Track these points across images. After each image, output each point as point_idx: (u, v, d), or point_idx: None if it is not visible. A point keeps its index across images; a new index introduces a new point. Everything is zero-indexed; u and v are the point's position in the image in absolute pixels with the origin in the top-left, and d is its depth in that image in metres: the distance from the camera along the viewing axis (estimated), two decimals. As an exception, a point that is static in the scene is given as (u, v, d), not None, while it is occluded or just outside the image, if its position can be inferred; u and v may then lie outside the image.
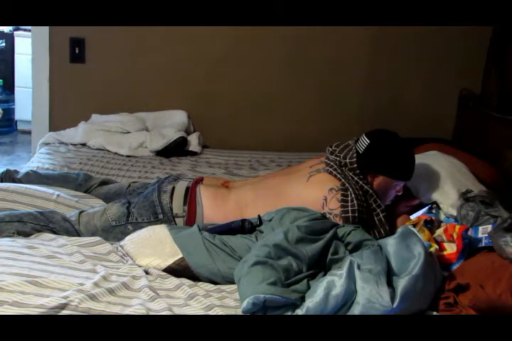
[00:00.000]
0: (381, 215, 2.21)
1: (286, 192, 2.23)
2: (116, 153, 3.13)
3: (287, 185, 2.26)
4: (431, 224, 2.10)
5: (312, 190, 2.21)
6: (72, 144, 3.20)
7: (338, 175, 2.21)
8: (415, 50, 3.41)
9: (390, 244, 1.82)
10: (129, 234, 2.08)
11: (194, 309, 1.73)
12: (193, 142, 3.25)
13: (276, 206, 2.11)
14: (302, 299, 1.69)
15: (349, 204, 2.13)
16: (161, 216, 2.17)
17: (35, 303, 1.60)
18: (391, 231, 2.19)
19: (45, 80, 3.40)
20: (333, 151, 2.30)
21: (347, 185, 2.18)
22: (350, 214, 2.12)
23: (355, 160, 2.24)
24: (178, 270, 1.92)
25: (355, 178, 2.22)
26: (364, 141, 2.26)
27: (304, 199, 2.17)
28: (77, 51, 3.35)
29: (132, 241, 2.01)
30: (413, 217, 2.30)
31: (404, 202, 2.40)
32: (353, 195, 2.15)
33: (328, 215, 2.12)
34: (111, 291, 1.74)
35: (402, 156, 2.29)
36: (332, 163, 2.25)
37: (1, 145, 5.03)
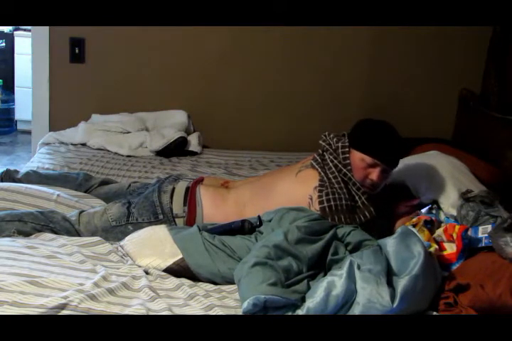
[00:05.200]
0: (363, 198, 2.17)
1: (277, 190, 2.22)
2: (116, 153, 3.13)
3: (278, 183, 2.26)
4: (431, 225, 2.10)
5: (299, 187, 2.20)
6: (72, 144, 3.20)
7: (317, 166, 2.20)
8: (415, 50, 3.41)
9: (390, 244, 1.82)
10: (129, 234, 2.08)
11: (194, 309, 1.73)
12: (193, 142, 3.25)
13: (269, 204, 2.11)
14: (302, 299, 1.69)
15: (323, 193, 2.12)
16: (161, 216, 2.17)
17: (35, 303, 1.60)
18: (390, 232, 2.19)
19: (45, 80, 3.40)
20: (326, 139, 2.29)
21: (322, 174, 2.17)
22: (325, 204, 2.10)
23: (347, 142, 2.21)
24: (178, 270, 1.92)
25: (335, 161, 2.20)
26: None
27: (292, 197, 2.17)
28: (77, 51, 3.35)
29: (132, 241, 2.02)
30: (420, 211, 2.29)
31: (404, 202, 2.40)
32: (327, 184, 2.14)
33: None
34: (111, 291, 1.73)
35: (386, 136, 2.23)
36: (316, 155, 2.25)
37: (1, 145, 5.02)
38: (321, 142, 2.29)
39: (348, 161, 2.19)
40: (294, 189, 2.20)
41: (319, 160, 2.22)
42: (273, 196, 2.20)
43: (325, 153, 2.24)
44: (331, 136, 2.29)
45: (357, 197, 2.18)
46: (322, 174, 2.17)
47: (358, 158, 2.19)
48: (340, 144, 2.22)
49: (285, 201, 2.11)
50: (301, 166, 2.28)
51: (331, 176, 2.17)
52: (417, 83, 3.45)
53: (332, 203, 2.11)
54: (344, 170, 2.19)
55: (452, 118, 3.45)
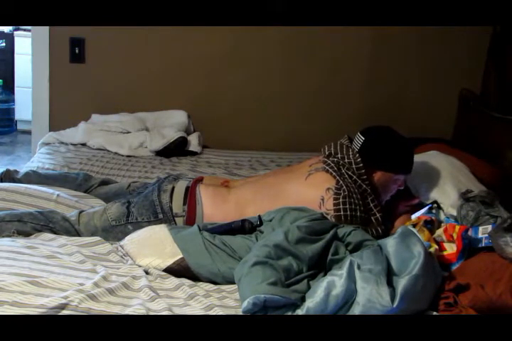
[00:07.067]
0: (378, 215, 2.20)
1: (284, 191, 2.22)
2: (116, 153, 3.13)
3: (286, 183, 2.26)
4: (431, 225, 2.10)
5: (310, 189, 2.20)
6: (72, 144, 3.20)
7: (334, 173, 2.20)
8: (415, 50, 3.41)
9: (390, 244, 1.82)
10: (129, 233, 2.08)
11: (194, 309, 1.73)
12: (193, 142, 3.25)
13: (275, 205, 2.10)
14: (302, 299, 1.69)
15: (340, 200, 2.12)
16: (160, 215, 2.17)
17: (35, 303, 1.60)
18: (391, 231, 2.19)
19: (45, 80, 3.40)
20: (330, 154, 2.29)
21: (341, 182, 2.16)
22: (342, 213, 2.11)
23: (360, 159, 2.22)
24: (178, 270, 1.92)
25: (354, 177, 2.20)
26: (359, 139, 2.27)
27: (302, 198, 2.16)
28: (77, 51, 3.35)
29: (132, 241, 2.01)
30: (413, 216, 2.30)
31: (404, 202, 2.40)
32: (346, 193, 2.13)
33: (325, 215, 2.11)
34: (111, 291, 1.73)
35: (399, 149, 2.29)
36: (329, 162, 2.24)
37: (1, 145, 5.03)
38: (332, 159, 2.26)
39: (365, 177, 2.22)
40: (304, 191, 2.19)
41: (335, 168, 2.21)
42: (280, 197, 2.19)
43: (341, 167, 2.22)
44: (338, 147, 2.29)
45: (372, 212, 2.20)
46: (341, 182, 2.16)
47: (383, 177, 2.26)
48: (352, 160, 2.23)
49: (293, 202, 2.10)
50: (310, 169, 2.26)
51: (349, 186, 2.16)
52: (417, 83, 3.45)
53: (348, 213, 2.11)
54: (364, 186, 2.20)
55: (452, 118, 3.45)
